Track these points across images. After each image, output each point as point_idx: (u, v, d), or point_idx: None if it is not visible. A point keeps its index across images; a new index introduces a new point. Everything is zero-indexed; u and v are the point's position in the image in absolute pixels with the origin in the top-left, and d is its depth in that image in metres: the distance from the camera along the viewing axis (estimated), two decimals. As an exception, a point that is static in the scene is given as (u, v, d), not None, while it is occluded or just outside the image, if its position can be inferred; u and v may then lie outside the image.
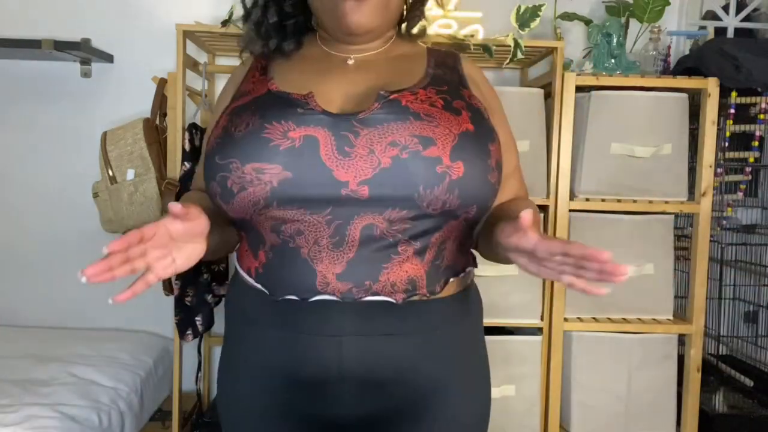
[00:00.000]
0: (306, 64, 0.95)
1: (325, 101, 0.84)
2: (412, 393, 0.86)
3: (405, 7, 1.00)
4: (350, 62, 0.93)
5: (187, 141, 1.77)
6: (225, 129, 0.83)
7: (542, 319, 1.88)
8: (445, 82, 0.89)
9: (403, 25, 1.01)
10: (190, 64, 1.88)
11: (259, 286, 0.86)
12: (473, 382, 0.93)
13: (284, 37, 0.97)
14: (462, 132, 0.80)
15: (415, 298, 0.83)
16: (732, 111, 1.95)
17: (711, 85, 1.85)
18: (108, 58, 2.13)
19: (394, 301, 0.82)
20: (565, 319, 1.88)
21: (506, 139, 0.95)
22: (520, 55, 1.81)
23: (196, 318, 1.85)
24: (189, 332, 1.83)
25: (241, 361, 0.91)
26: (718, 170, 1.97)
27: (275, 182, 0.78)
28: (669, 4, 1.99)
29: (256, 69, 0.95)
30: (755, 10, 2.36)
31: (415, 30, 1.02)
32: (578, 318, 1.90)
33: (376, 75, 0.90)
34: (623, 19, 2.02)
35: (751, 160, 2.01)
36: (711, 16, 2.35)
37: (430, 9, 1.06)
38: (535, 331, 1.90)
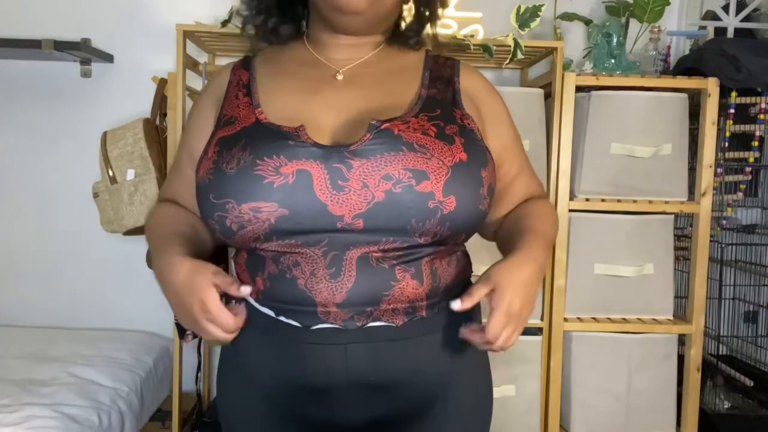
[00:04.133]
0: (293, 79, 0.92)
1: (315, 130, 0.83)
2: (417, 394, 0.87)
3: (402, 16, 0.99)
4: (339, 77, 0.91)
5: (187, 141, 1.77)
6: (215, 164, 0.82)
7: (542, 319, 1.88)
8: (438, 104, 0.88)
9: (400, 33, 1.00)
10: (190, 64, 1.88)
11: (264, 309, 0.87)
12: (475, 378, 0.94)
13: (283, 20, 0.95)
14: (455, 163, 0.80)
15: (416, 318, 0.85)
16: (732, 111, 1.95)
17: (711, 85, 1.85)
18: (108, 58, 2.13)
19: (394, 325, 0.84)
20: (565, 319, 1.88)
21: (511, 142, 0.96)
22: (520, 55, 1.81)
23: (196, 318, 1.85)
24: (189, 332, 1.82)
25: (242, 367, 0.91)
26: (718, 170, 1.97)
27: (272, 219, 0.78)
28: (669, 4, 2.00)
29: (238, 87, 0.92)
30: (755, 10, 2.36)
31: (411, 42, 1.00)
32: (578, 318, 1.90)
33: (367, 94, 0.89)
34: (623, 19, 2.02)
35: (751, 160, 2.01)
36: (711, 16, 2.35)
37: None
38: (535, 331, 1.90)
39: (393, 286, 0.82)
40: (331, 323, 0.82)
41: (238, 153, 0.80)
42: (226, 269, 2.07)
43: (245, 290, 0.79)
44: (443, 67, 0.96)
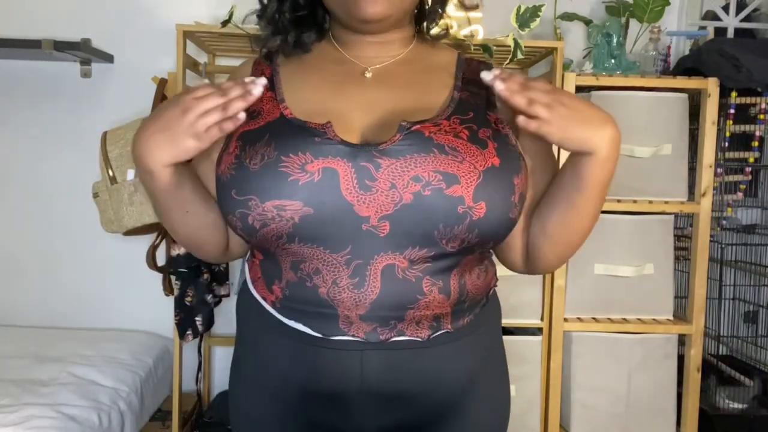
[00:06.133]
0: (320, 75, 0.89)
1: (343, 127, 0.79)
2: (435, 403, 0.85)
3: (426, 3, 0.95)
4: (368, 75, 0.88)
5: (187, 141, 1.77)
6: (238, 159, 0.78)
7: (542, 319, 1.88)
8: (471, 107, 0.83)
9: (424, 25, 0.95)
10: (190, 64, 1.88)
11: (282, 318, 0.84)
12: (493, 385, 0.92)
13: (303, 30, 0.91)
14: (487, 168, 0.76)
15: (440, 333, 0.83)
16: (732, 111, 1.95)
17: (711, 85, 1.85)
18: (108, 58, 2.13)
19: (419, 339, 0.81)
20: (565, 319, 1.88)
21: (545, 151, 0.89)
22: (520, 56, 1.81)
23: (196, 318, 1.86)
24: (189, 332, 1.83)
25: (255, 370, 0.90)
26: (718, 170, 1.97)
27: (297, 218, 0.75)
28: (669, 4, 2.00)
29: None
30: (755, 10, 2.36)
31: (435, 30, 0.96)
32: (578, 318, 1.90)
33: (397, 93, 0.86)
34: (623, 19, 2.02)
35: (751, 160, 2.01)
36: (711, 16, 2.35)
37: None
38: (535, 331, 1.90)
39: (419, 299, 0.79)
40: (353, 335, 0.79)
41: (262, 148, 0.77)
42: (227, 268, 2.05)
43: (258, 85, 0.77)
44: (477, 70, 0.90)
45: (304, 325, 0.82)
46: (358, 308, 0.78)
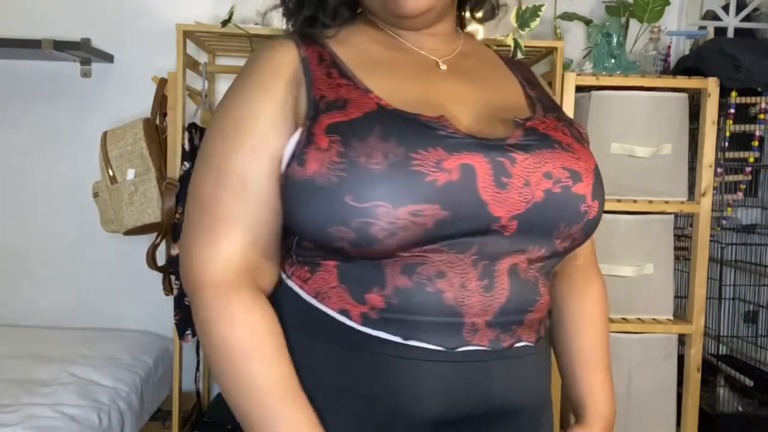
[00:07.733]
0: (391, 65, 0.77)
1: (451, 121, 0.70)
2: (538, 420, 0.77)
3: None
4: (443, 67, 0.79)
5: (187, 141, 1.77)
6: (346, 157, 0.64)
7: (542, 319, 1.88)
8: (550, 108, 0.79)
9: (468, 13, 0.88)
10: (190, 64, 1.88)
11: (372, 331, 0.69)
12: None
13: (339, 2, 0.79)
14: (595, 167, 0.74)
15: (541, 338, 0.77)
16: (732, 111, 1.95)
17: (711, 85, 1.85)
18: (108, 58, 2.13)
19: (531, 344, 0.74)
20: (565, 319, 1.88)
21: None
22: (520, 55, 1.81)
23: (196, 318, 1.85)
24: (188, 332, 1.83)
25: (314, 386, 0.71)
26: (718, 170, 1.97)
27: (430, 224, 0.64)
28: (669, 4, 2.00)
29: (326, 65, 0.74)
30: (755, 10, 2.36)
31: (480, 15, 0.88)
32: (578, 318, 1.90)
33: (477, 88, 0.78)
34: (623, 19, 2.02)
35: (751, 160, 2.01)
36: (711, 16, 2.35)
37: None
38: (535, 331, 1.90)
39: (537, 300, 0.73)
40: (477, 344, 0.69)
41: (379, 144, 0.64)
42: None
43: None
44: (521, 68, 0.87)
45: (417, 338, 0.68)
46: (486, 314, 0.69)
